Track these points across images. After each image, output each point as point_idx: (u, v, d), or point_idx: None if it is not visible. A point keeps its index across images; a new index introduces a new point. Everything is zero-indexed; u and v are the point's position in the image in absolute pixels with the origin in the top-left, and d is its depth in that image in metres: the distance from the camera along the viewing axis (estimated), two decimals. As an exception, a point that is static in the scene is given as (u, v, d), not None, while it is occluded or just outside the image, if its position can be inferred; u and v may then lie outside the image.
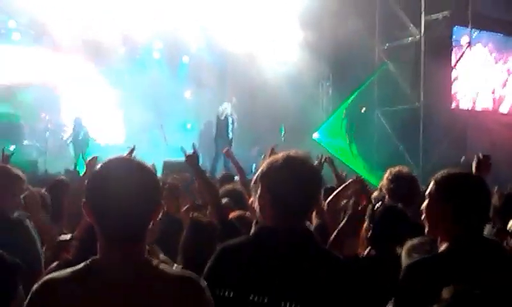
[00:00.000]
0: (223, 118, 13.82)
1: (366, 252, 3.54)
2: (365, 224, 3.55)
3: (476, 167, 3.50)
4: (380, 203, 3.68)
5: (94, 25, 14.37)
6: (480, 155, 3.52)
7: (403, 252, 2.79)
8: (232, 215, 4.16)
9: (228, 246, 2.28)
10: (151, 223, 1.89)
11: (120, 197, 1.81)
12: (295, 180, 2.19)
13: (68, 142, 14.48)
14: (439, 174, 2.44)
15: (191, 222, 3.63)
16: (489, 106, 17.11)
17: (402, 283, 2.29)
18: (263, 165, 2.28)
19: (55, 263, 3.24)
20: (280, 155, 2.29)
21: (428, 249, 2.54)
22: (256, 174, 2.30)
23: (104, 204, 1.83)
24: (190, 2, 14.05)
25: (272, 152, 4.92)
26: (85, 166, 5.02)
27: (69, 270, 1.86)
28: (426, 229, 2.41)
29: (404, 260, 2.71)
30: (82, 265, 1.85)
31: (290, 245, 2.17)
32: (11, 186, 3.81)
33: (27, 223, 3.84)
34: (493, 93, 17.22)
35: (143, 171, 1.89)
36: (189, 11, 14.26)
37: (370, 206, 3.62)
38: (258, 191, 2.25)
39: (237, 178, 6.30)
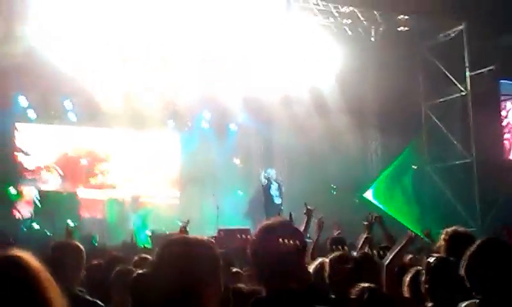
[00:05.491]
0: (264, 184, 13.92)
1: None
2: (423, 278, 3.62)
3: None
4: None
5: (143, 99, 14.75)
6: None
7: None
8: None
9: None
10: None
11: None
12: None
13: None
14: None
15: None
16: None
17: None
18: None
19: None
20: None
21: None
22: None
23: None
24: (233, 70, 14.42)
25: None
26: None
27: None
28: None
29: None
30: None
31: None
32: (77, 261, 3.88)
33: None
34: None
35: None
36: (233, 79, 14.60)
37: (426, 260, 3.73)
38: None
39: None
